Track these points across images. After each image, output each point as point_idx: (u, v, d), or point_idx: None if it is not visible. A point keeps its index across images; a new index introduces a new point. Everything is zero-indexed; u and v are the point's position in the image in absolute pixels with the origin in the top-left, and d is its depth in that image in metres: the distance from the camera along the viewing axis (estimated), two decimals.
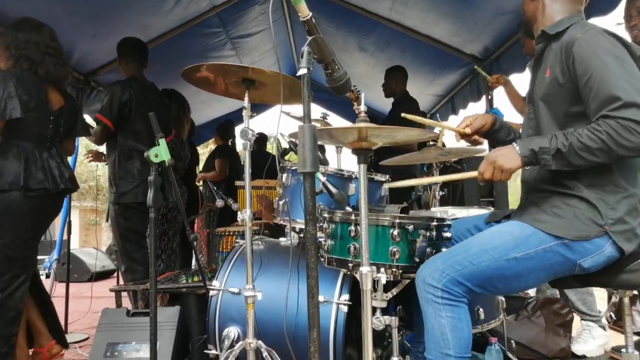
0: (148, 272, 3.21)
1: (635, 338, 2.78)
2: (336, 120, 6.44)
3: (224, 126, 5.77)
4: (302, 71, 1.22)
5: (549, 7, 1.76)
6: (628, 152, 1.47)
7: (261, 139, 6.51)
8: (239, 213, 1.99)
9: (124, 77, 3.46)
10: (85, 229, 15.87)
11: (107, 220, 3.55)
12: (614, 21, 2.74)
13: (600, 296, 3.56)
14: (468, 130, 1.93)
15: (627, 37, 2.59)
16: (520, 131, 1.95)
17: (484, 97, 4.61)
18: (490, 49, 4.24)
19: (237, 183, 4.06)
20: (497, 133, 1.98)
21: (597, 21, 2.73)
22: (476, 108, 4.93)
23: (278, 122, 1.58)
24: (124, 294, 3.09)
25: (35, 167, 2.48)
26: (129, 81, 3.35)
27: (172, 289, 2.78)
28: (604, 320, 3.03)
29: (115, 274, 5.88)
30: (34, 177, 2.45)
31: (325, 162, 2.62)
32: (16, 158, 2.43)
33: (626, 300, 1.72)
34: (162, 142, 2.16)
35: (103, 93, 3.32)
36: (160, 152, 2.15)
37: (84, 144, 6.39)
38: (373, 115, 5.93)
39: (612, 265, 1.60)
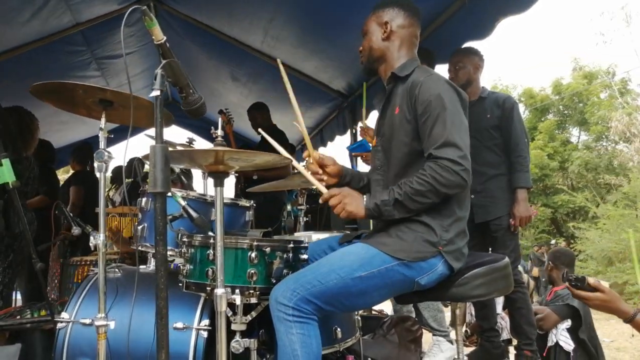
0: None
1: (468, 350, 3.12)
2: (204, 145, 6.32)
3: (81, 149, 5.04)
4: (155, 93, 1.24)
5: (398, 50, 1.98)
6: (450, 190, 1.70)
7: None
8: (91, 238, 1.89)
9: None
10: None
11: None
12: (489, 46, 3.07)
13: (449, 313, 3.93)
14: (316, 156, 2.07)
15: None
16: (370, 162, 2.12)
17: (349, 131, 4.95)
18: (354, 86, 4.58)
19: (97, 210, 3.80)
20: (349, 185, 2.12)
21: (475, 44, 3.05)
22: (342, 140, 5.26)
23: (126, 145, 1.57)
24: None
25: None
26: None
27: (11, 326, 2.50)
28: (452, 335, 3.35)
29: None
30: None
31: (189, 188, 2.60)
32: None
33: (457, 311, 1.94)
34: (7, 162, 2.00)
35: None
36: (3, 173, 1.98)
37: None
38: (246, 143, 5.97)
39: (443, 281, 1.81)
